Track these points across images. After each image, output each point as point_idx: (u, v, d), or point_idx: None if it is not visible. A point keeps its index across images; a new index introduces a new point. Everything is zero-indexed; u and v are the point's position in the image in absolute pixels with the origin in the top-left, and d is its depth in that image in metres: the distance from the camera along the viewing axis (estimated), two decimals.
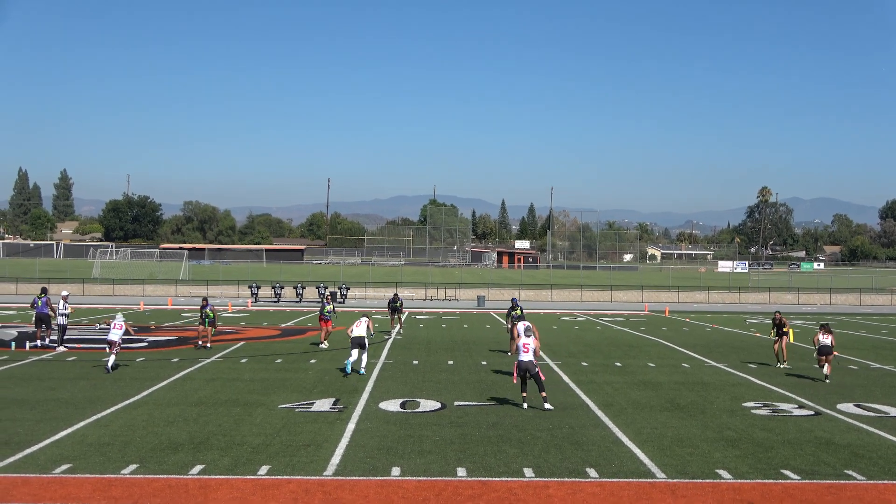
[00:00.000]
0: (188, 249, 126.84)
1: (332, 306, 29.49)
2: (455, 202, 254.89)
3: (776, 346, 25.58)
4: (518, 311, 27.71)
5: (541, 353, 19.57)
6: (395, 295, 34.82)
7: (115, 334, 23.13)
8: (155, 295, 62.44)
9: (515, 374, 17.84)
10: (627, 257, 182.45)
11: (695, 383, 21.67)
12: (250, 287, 57.53)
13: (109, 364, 22.57)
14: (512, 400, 18.58)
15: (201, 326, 27.60)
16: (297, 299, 57.40)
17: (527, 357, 17.69)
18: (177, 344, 29.03)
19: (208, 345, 27.71)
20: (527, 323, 20.09)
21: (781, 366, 25.16)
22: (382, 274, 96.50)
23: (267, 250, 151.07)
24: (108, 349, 23.06)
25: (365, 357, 22.61)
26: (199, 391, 19.40)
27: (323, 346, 28.50)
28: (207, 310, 27.46)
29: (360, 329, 22.86)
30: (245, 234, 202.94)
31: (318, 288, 58.08)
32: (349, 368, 22.37)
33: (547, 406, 17.52)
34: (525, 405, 17.71)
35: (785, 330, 25.67)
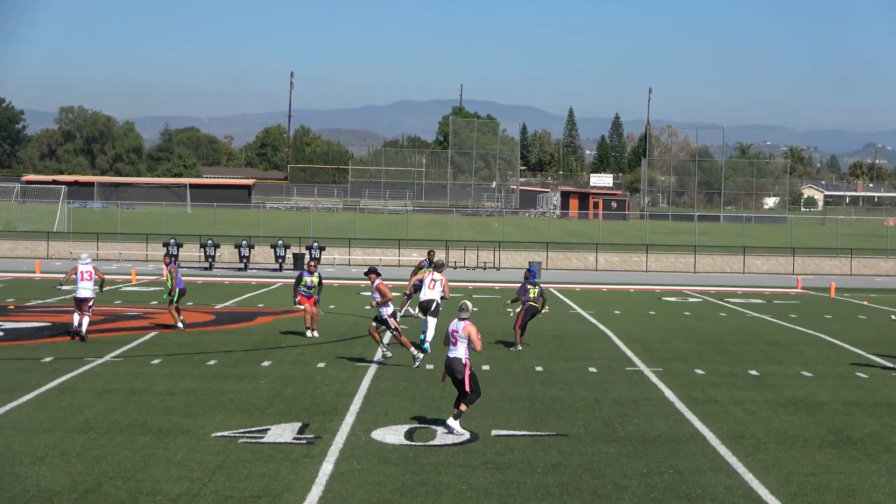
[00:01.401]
0: (67, 184, 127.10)
1: (316, 276, 29.65)
2: (494, 111, 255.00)
3: None
4: (534, 290, 28.26)
5: (478, 346, 19.35)
6: (431, 255, 33.09)
7: (87, 288, 25.85)
8: (14, 256, 62.77)
9: (445, 374, 18.49)
10: (770, 201, 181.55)
11: (876, 404, 21.62)
12: (167, 245, 57.72)
13: (84, 330, 26.17)
14: (581, 425, 18.63)
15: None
16: (242, 265, 57.60)
17: (455, 352, 18.21)
18: (49, 334, 29.19)
19: (179, 324, 30.13)
20: (466, 303, 19.45)
21: None
22: (378, 225, 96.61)
23: (193, 186, 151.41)
24: (77, 311, 25.99)
25: (432, 330, 27.07)
26: (85, 409, 19.52)
27: (312, 335, 29.37)
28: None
29: (433, 290, 27.77)
30: (158, 161, 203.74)
31: (273, 248, 58.23)
32: (428, 347, 26.68)
33: (452, 424, 17.91)
34: (452, 422, 18.10)
35: None
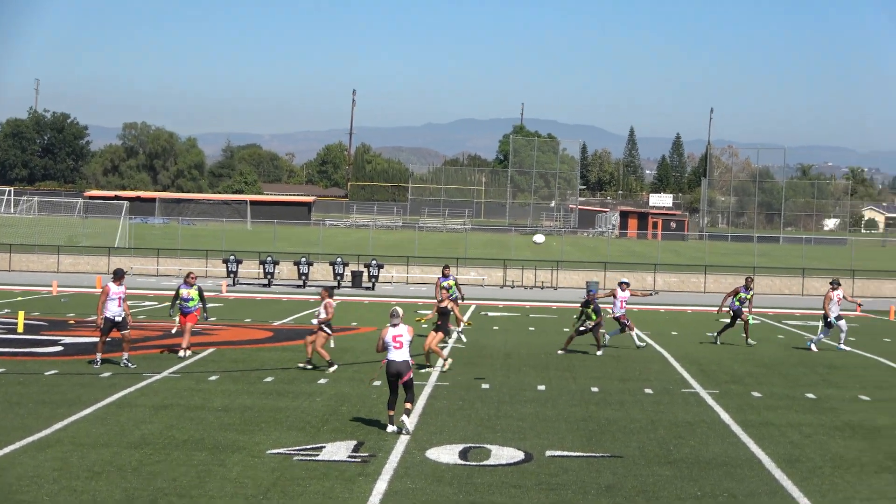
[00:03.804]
0: (129, 199, 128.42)
1: (195, 289, 28.31)
2: (554, 130, 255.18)
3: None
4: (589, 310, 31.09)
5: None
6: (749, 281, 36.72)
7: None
8: (76, 271, 63.42)
9: (387, 377, 19.73)
10: (830, 223, 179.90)
11: None
12: (226, 261, 58.14)
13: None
14: (636, 447, 18.56)
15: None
16: (301, 282, 57.89)
17: (399, 355, 19.61)
18: (109, 349, 29.47)
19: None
20: (397, 308, 20.48)
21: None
22: (436, 244, 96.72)
23: (254, 203, 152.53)
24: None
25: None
26: (142, 425, 19.74)
27: (182, 354, 28.37)
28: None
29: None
30: (219, 177, 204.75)
31: (332, 265, 58.37)
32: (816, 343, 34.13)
33: (403, 420, 19.39)
34: (391, 427, 19.47)
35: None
